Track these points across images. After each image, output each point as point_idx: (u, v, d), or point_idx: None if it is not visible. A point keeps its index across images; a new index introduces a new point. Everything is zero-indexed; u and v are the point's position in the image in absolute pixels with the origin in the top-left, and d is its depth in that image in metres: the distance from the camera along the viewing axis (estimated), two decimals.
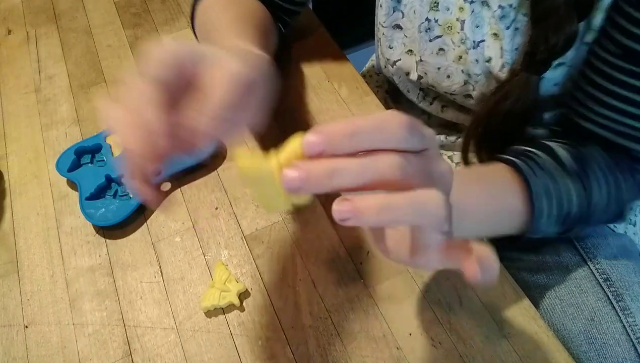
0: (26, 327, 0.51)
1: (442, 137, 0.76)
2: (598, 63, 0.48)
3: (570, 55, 0.51)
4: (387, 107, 0.85)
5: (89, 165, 0.62)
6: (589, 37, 0.49)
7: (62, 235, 0.56)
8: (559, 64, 0.52)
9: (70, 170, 0.61)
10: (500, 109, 0.54)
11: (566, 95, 0.55)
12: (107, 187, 0.60)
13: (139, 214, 0.58)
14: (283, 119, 0.64)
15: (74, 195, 0.59)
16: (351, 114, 0.64)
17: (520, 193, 0.47)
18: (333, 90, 0.66)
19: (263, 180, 0.29)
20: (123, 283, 0.53)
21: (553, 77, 0.53)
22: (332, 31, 0.73)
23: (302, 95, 0.66)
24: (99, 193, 0.59)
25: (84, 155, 0.63)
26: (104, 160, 0.62)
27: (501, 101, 0.54)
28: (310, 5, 0.91)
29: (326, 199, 0.57)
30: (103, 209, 0.57)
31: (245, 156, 0.29)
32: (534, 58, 0.51)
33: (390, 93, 0.85)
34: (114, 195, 0.59)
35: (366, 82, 0.91)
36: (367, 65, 0.95)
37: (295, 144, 0.28)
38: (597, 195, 0.48)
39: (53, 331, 0.50)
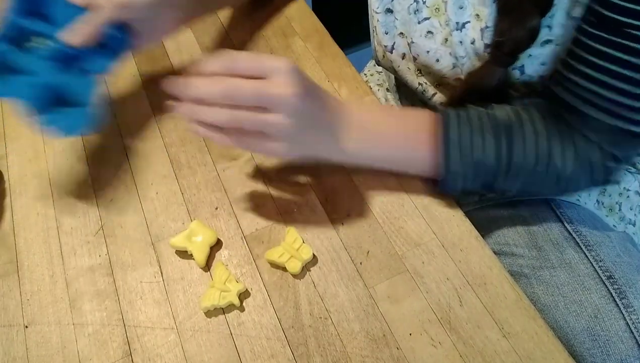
0: (26, 327, 0.51)
1: None
2: (577, 34, 0.48)
3: (558, 32, 0.52)
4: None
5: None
6: (577, 12, 0.49)
7: (62, 235, 0.56)
8: (546, 41, 0.52)
9: None
10: (468, 100, 0.55)
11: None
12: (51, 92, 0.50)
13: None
14: None
15: (75, 194, 0.59)
16: None
17: (433, 133, 0.52)
18: (333, 90, 0.66)
19: None
20: (123, 283, 0.53)
21: (540, 55, 0.54)
22: (332, 31, 0.73)
23: None
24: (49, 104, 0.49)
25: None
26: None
27: (467, 92, 0.56)
28: (310, 5, 0.91)
29: (326, 200, 0.57)
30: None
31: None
32: (501, 50, 0.52)
33: (392, 90, 0.85)
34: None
35: (367, 81, 0.90)
36: (367, 65, 0.95)
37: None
38: (520, 155, 0.50)
39: (53, 331, 0.50)
